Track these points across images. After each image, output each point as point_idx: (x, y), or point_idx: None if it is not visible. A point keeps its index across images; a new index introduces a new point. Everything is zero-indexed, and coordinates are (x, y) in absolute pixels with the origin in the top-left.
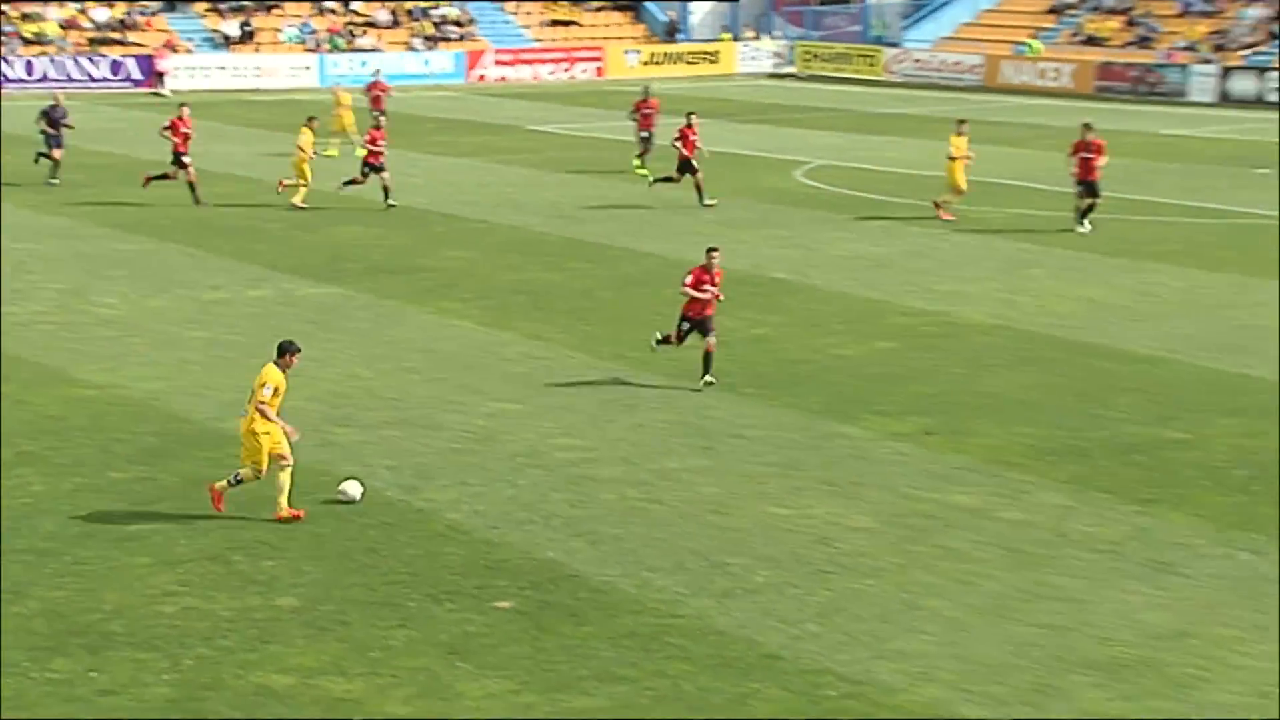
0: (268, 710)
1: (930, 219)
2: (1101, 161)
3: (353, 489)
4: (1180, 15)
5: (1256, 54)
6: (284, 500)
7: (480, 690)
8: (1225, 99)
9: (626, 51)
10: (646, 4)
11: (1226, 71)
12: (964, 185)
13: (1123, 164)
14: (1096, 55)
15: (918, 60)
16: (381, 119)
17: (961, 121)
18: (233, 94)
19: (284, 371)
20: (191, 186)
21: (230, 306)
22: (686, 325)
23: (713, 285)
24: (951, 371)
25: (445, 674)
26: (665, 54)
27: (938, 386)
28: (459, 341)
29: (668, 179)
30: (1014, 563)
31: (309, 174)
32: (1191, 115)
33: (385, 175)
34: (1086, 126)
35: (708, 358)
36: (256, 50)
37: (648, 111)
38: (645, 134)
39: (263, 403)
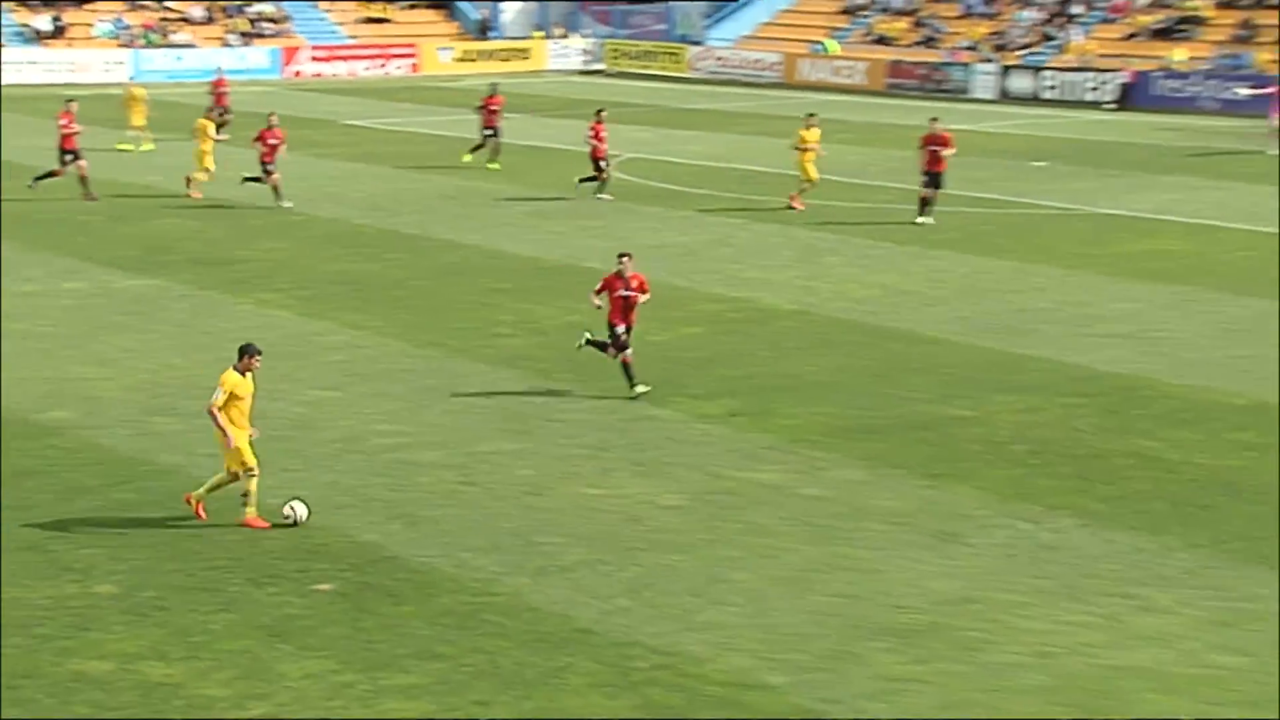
0: (84, 696)
1: (732, 209)
2: (948, 153)
3: (298, 510)
4: (963, 17)
5: (1032, 54)
6: (251, 510)
7: (300, 670)
8: (1005, 96)
9: (440, 49)
10: (459, 2)
11: (1006, 70)
12: (815, 176)
13: (912, 156)
14: (887, 54)
15: (720, 58)
16: (273, 118)
17: (810, 115)
18: (46, 89)
19: (244, 374)
20: (83, 181)
21: (46, 299)
22: (620, 330)
23: (629, 290)
24: (756, 355)
25: (265, 655)
26: (478, 51)
27: (743, 370)
28: (278, 331)
29: (592, 178)
30: (813, 536)
31: (210, 164)
32: (974, 111)
33: (275, 176)
34: (934, 120)
35: (626, 369)
36: (69, 45)
37: (494, 108)
38: (490, 130)
39: (212, 405)
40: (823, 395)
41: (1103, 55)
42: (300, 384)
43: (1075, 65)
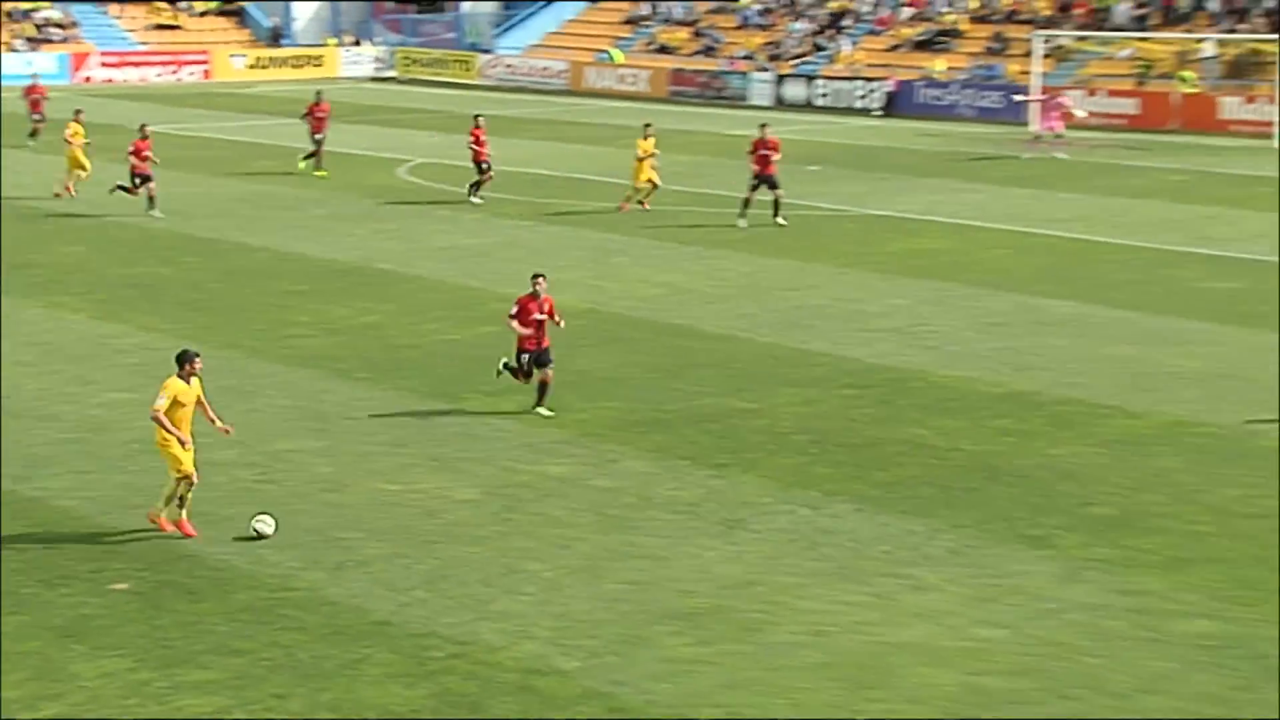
0: None
1: (524, 212)
2: (776, 157)
3: (265, 526)
4: (740, 28)
5: (805, 63)
6: (162, 504)
7: (95, 670)
8: (780, 103)
9: (232, 55)
10: (249, 9)
11: (781, 79)
12: (656, 180)
13: (694, 160)
14: (669, 63)
15: (509, 65)
16: (145, 128)
17: (647, 125)
18: None
19: (187, 380)
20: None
21: None
22: (525, 358)
23: (542, 313)
24: None
25: (59, 656)
26: (270, 58)
27: None
28: (71, 334)
29: (478, 183)
30: (604, 526)
31: (85, 163)
32: (752, 117)
33: (152, 185)
34: (763, 126)
35: (543, 387)
36: None
37: (320, 115)
38: (318, 137)
39: (156, 411)
40: (612, 390)
41: (870, 65)
42: (95, 387)
43: (845, 74)
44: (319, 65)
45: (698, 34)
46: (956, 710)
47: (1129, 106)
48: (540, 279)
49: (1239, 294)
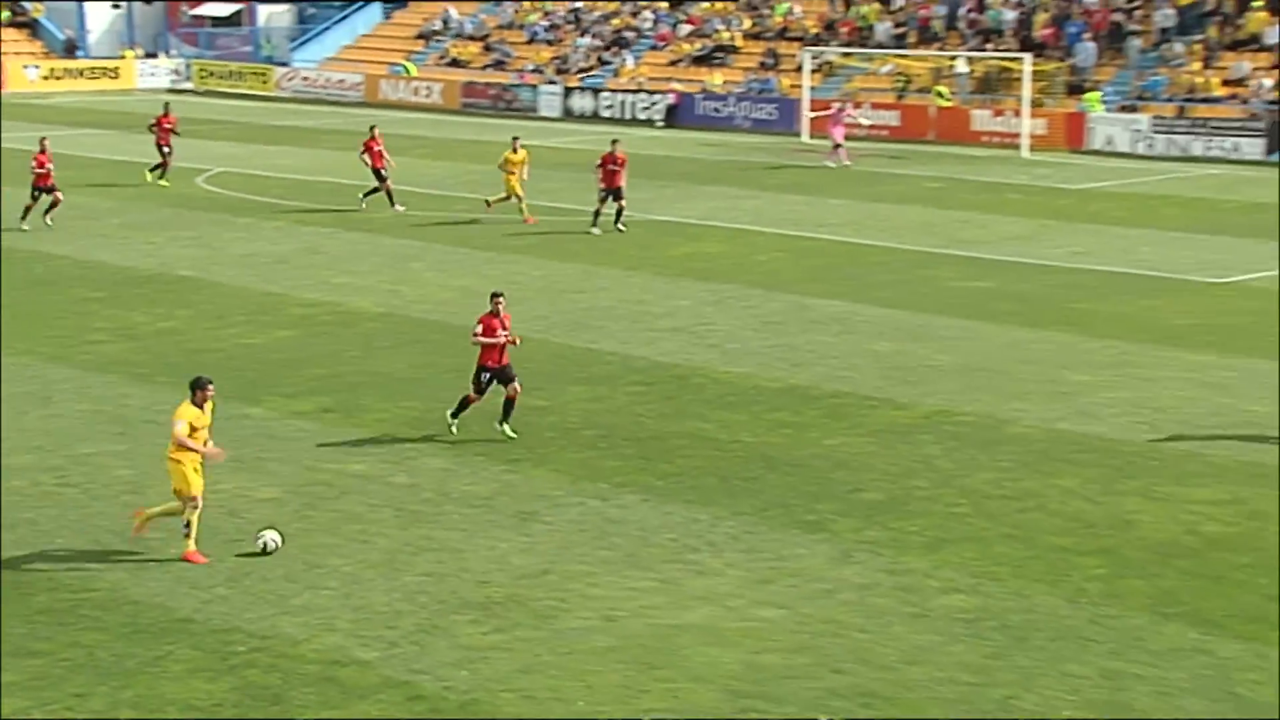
0: None
1: (323, 220)
2: (624, 172)
3: (270, 540)
4: (529, 43)
5: (591, 77)
6: (154, 511)
7: None
8: (568, 114)
9: (26, 67)
10: (43, 21)
11: (568, 91)
12: (520, 191)
13: (487, 170)
14: (461, 76)
15: (305, 78)
16: (44, 141)
17: (515, 138)
18: None
19: (200, 406)
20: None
21: None
22: (486, 376)
23: (504, 329)
24: (346, 355)
25: None
26: (65, 69)
27: (334, 369)
28: None
29: (374, 190)
30: (403, 521)
31: None
32: (541, 128)
33: (57, 194)
34: (615, 142)
35: (509, 404)
36: None
37: (167, 126)
38: (165, 149)
39: (177, 435)
40: (409, 390)
41: (652, 79)
42: None
43: (629, 87)
44: (115, 77)
45: (488, 48)
46: (738, 687)
47: (891, 118)
48: (500, 298)
49: (990, 292)
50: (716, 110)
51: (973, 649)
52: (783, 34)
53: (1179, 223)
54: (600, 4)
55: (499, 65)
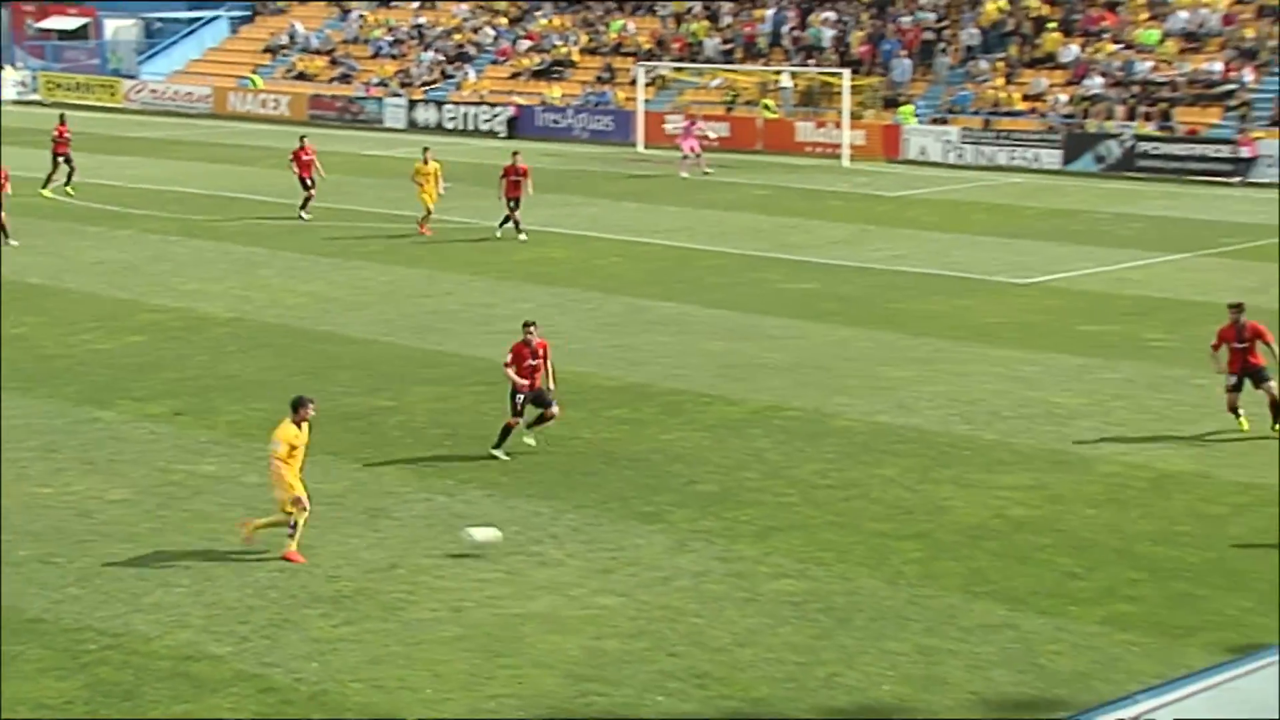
0: None
1: (171, 228)
2: (528, 183)
3: (480, 535)
4: (373, 57)
5: (435, 89)
6: (260, 521)
7: None
8: (412, 125)
9: None
10: None
11: (412, 104)
12: (431, 204)
13: (334, 179)
14: (308, 89)
15: (154, 90)
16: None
17: (426, 149)
18: None
19: (299, 425)
20: None
21: None
22: (521, 400)
23: (536, 358)
24: (197, 359)
25: None
26: None
27: (185, 372)
28: None
29: (307, 200)
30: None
31: None
32: (386, 139)
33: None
34: (515, 154)
35: (543, 419)
36: None
37: (65, 137)
38: (62, 157)
39: (277, 459)
40: (259, 393)
41: (494, 91)
42: None
43: (472, 100)
44: None
45: (334, 62)
46: (579, 671)
47: (721, 130)
48: (532, 326)
49: (815, 294)
50: (555, 122)
51: (799, 630)
52: (617, 49)
53: (986, 227)
54: (443, 20)
55: (345, 79)
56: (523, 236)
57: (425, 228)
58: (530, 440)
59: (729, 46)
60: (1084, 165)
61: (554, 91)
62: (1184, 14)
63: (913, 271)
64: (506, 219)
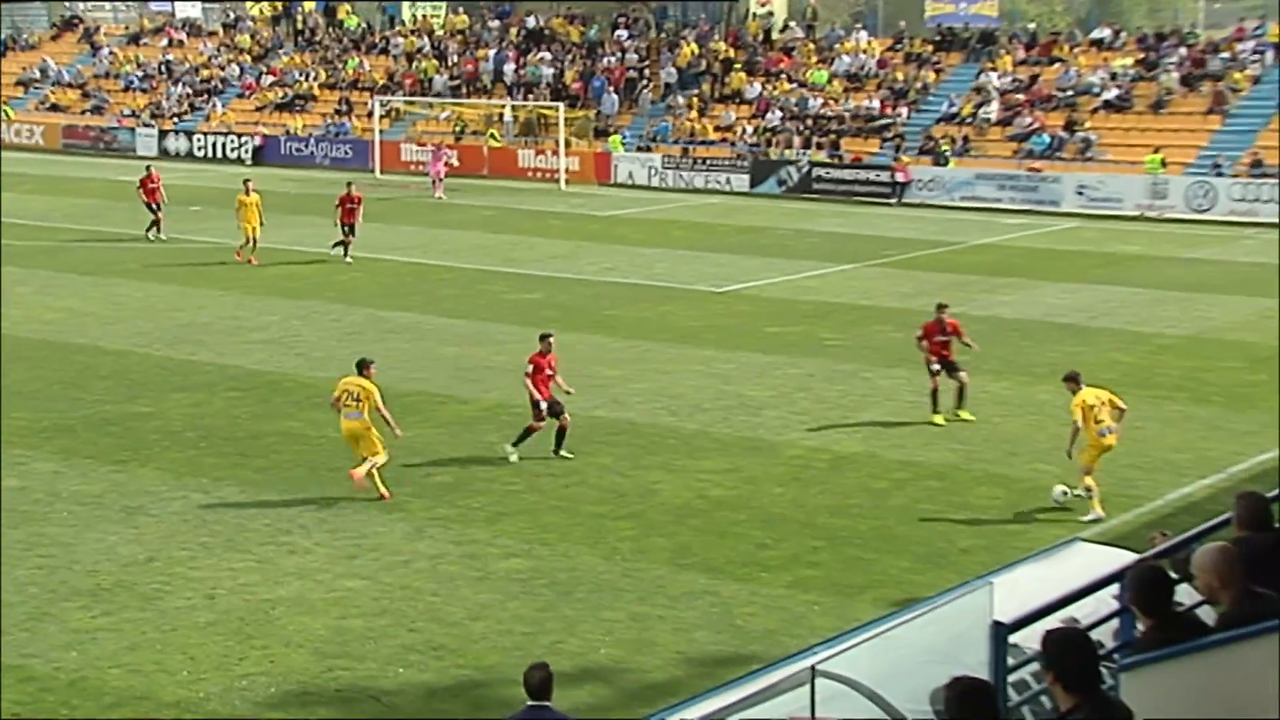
0: None
1: None
2: (361, 210)
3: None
4: (125, 90)
5: (184, 120)
6: (362, 470)
7: None
8: (164, 154)
9: None
10: None
11: (163, 133)
12: (254, 232)
13: (89, 203)
14: (61, 119)
15: None
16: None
17: (247, 181)
18: None
19: (370, 380)
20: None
21: None
22: (544, 406)
23: (552, 368)
24: None
25: None
26: None
27: None
28: None
29: (154, 224)
30: (13, 520)
31: None
32: (139, 166)
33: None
34: (350, 184)
35: (562, 432)
36: None
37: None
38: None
39: (378, 408)
40: (19, 403)
41: (240, 123)
42: None
43: (220, 130)
44: None
45: (86, 95)
46: (326, 649)
47: (451, 157)
48: (549, 338)
49: (538, 303)
50: (299, 150)
51: (526, 604)
52: (354, 85)
53: (686, 243)
54: (190, 57)
55: (97, 110)
56: (349, 260)
57: (243, 254)
58: (567, 454)
59: (456, 83)
60: (768, 188)
61: (296, 122)
62: (847, 58)
63: (623, 282)
64: (340, 243)
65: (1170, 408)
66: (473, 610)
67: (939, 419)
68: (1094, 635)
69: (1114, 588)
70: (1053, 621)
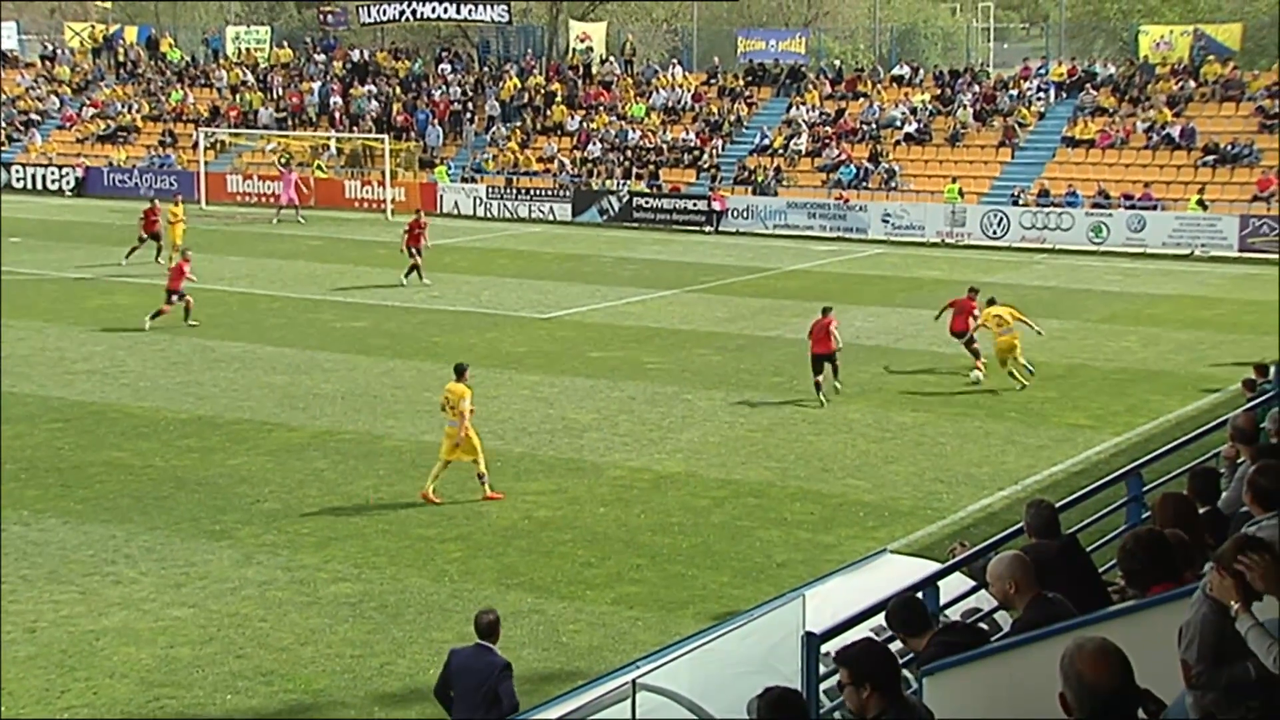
0: None
1: None
2: (426, 233)
3: None
4: None
5: (3, 152)
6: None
7: None
8: None
9: None
10: None
11: None
12: (180, 242)
13: None
14: None
15: None
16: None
17: (179, 200)
18: None
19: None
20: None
21: None
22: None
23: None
24: None
25: None
26: None
27: None
28: None
29: (134, 250)
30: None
31: None
32: None
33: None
34: (419, 210)
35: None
36: None
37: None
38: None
39: (471, 412)
40: None
41: (61, 154)
42: None
43: (40, 162)
44: None
45: None
46: (152, 678)
47: (277, 188)
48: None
49: (366, 330)
50: (123, 181)
51: (356, 627)
52: (178, 117)
53: (511, 270)
54: (6, 88)
55: None
56: (427, 281)
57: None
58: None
59: (282, 115)
60: (590, 217)
61: (120, 154)
62: (664, 92)
63: (450, 309)
64: (412, 268)
65: (970, 424)
66: (301, 635)
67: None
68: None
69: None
70: (862, 630)
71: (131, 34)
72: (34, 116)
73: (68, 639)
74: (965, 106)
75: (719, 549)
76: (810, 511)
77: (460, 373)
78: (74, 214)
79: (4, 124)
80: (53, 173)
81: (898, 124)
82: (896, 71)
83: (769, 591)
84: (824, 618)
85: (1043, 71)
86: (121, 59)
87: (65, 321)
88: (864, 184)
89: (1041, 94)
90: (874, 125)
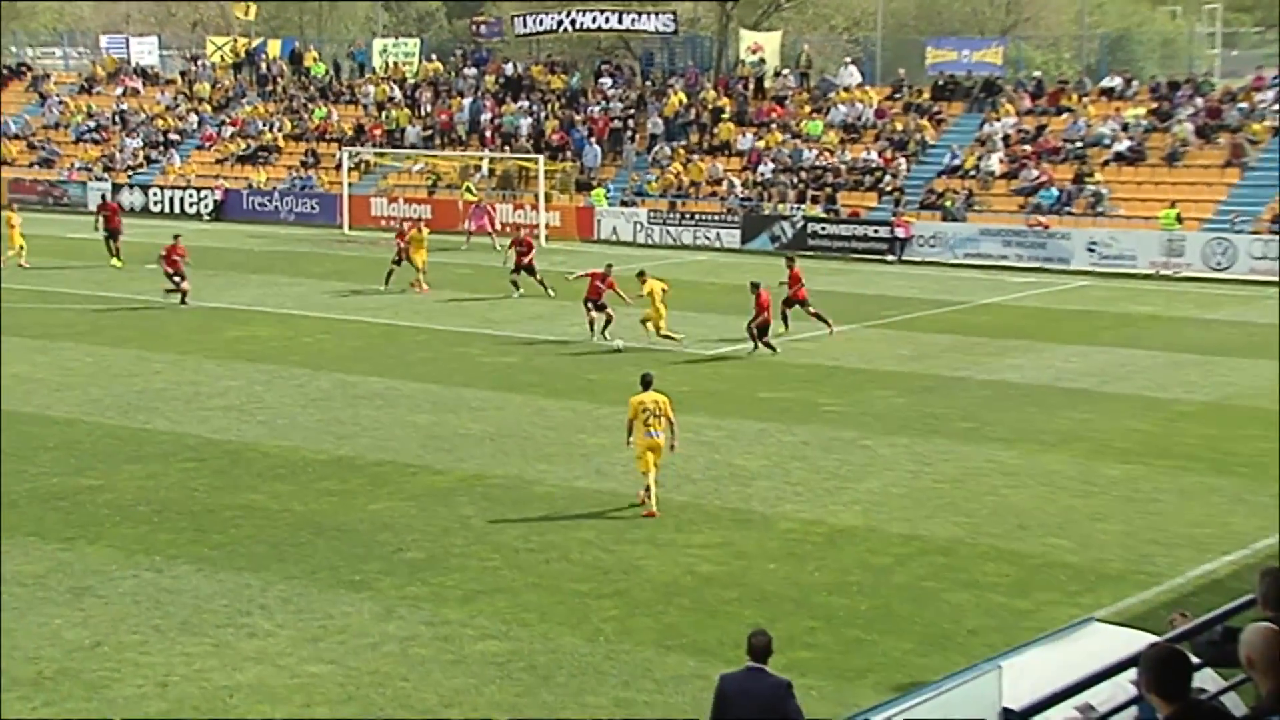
0: None
1: None
2: (534, 251)
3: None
4: (76, 142)
5: (140, 174)
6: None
7: None
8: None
9: None
10: None
11: (117, 187)
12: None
13: (38, 262)
14: (7, 173)
15: None
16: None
17: (177, 236)
18: None
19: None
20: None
21: None
22: None
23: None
24: None
25: None
26: None
27: None
28: None
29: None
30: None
31: None
32: (89, 222)
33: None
34: (177, 237)
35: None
36: None
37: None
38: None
39: (672, 421)
40: None
41: (200, 176)
42: None
43: (179, 184)
44: None
45: (33, 146)
46: None
47: (424, 211)
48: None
49: (516, 366)
50: (262, 204)
51: (503, 689)
52: (321, 135)
53: (673, 302)
54: (146, 106)
55: (46, 163)
56: (552, 293)
57: (418, 285)
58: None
59: (429, 133)
60: (760, 244)
61: (260, 175)
62: (843, 107)
63: (602, 344)
64: (539, 283)
65: (1189, 479)
66: (446, 696)
67: None
68: None
69: (1131, 672)
70: (1066, 709)
71: (275, 48)
72: (173, 135)
73: (200, 695)
74: (1185, 121)
75: (902, 612)
76: (1005, 573)
77: (648, 383)
78: (212, 239)
79: (144, 144)
80: (191, 195)
81: (1106, 142)
82: (1106, 83)
83: (959, 662)
84: (1022, 693)
85: (1278, 82)
86: (263, 74)
87: (201, 353)
88: (1067, 209)
89: (1276, 107)
90: (1079, 143)
